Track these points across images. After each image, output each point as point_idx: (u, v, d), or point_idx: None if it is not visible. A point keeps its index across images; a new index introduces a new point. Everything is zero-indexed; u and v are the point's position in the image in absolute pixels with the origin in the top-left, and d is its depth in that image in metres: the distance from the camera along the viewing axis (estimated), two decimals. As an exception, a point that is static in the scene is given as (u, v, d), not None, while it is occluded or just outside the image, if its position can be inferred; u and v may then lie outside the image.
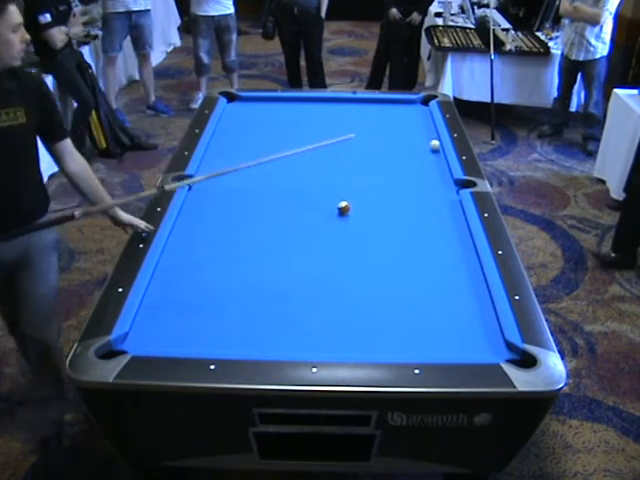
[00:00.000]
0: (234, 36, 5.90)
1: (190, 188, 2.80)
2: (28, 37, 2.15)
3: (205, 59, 5.91)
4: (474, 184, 2.81)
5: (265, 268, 2.32)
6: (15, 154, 2.19)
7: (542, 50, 5.54)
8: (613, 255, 3.90)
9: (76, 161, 2.37)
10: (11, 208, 2.23)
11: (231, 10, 5.76)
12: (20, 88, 2.16)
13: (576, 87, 5.44)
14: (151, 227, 2.41)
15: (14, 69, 2.16)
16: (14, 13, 2.07)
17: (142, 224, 2.40)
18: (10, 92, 2.14)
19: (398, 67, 5.86)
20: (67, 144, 2.34)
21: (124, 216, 2.43)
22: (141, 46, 5.68)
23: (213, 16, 5.68)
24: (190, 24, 6.04)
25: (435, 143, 3.16)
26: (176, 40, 7.81)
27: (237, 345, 1.95)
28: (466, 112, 4.61)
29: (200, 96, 5.72)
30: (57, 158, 2.34)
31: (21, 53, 2.14)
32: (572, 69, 5.25)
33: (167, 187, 2.32)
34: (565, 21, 5.47)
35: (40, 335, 2.43)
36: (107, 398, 1.83)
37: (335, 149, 3.19)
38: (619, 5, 4.97)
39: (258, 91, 4.91)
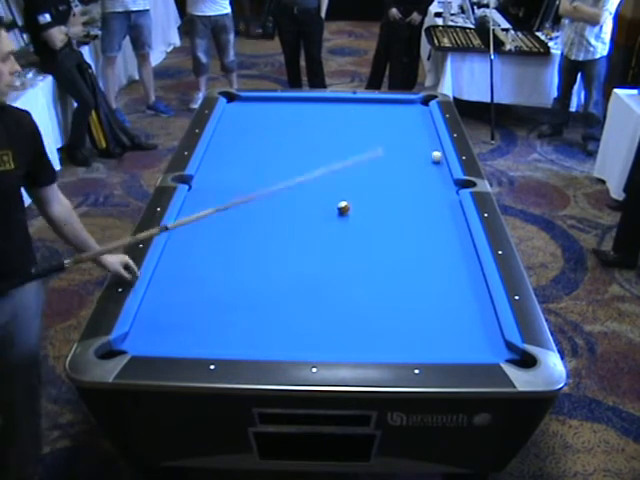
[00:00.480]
0: (231, 36, 5.90)
1: (190, 188, 2.80)
2: (19, 68, 1.89)
3: (203, 59, 5.91)
4: (474, 184, 2.80)
5: (265, 268, 2.32)
6: (3, 205, 1.91)
7: (542, 50, 5.54)
8: (612, 253, 3.90)
9: (61, 203, 2.12)
10: (2, 267, 1.97)
11: (227, 10, 5.76)
12: (6, 128, 1.88)
13: (576, 87, 5.44)
14: (137, 274, 2.16)
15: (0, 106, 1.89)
16: (4, 39, 1.81)
17: (127, 275, 2.13)
18: None
19: (398, 67, 5.86)
20: (55, 187, 2.09)
21: (110, 263, 2.13)
22: (140, 46, 5.68)
23: (209, 16, 5.68)
24: (187, 24, 6.04)
25: (437, 154, 3.07)
26: (176, 40, 7.81)
27: (237, 345, 1.95)
28: (466, 112, 4.60)
29: (200, 96, 5.73)
30: (43, 203, 2.07)
31: (10, 87, 1.87)
32: (572, 69, 5.25)
33: (170, 226, 2.14)
34: (565, 21, 5.47)
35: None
36: (107, 398, 1.83)
37: (335, 149, 3.20)
38: (619, 5, 4.97)
39: (258, 91, 4.91)
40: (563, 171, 5.11)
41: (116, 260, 2.13)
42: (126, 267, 2.14)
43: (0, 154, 1.85)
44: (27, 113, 1.98)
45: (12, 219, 1.98)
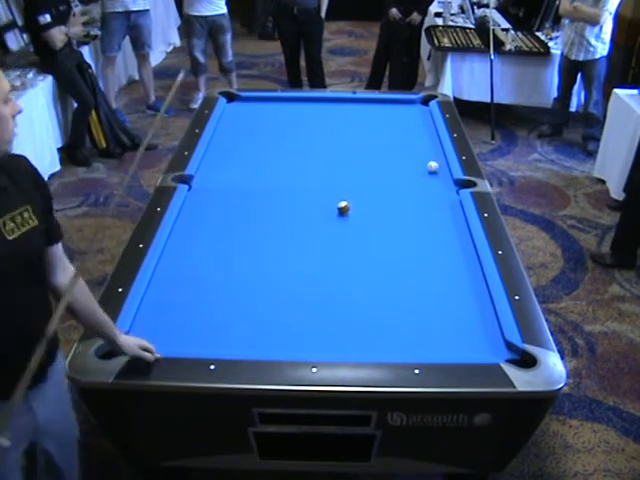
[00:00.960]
0: (229, 36, 5.90)
1: (190, 188, 2.80)
2: (20, 108, 1.57)
3: (201, 59, 5.90)
4: (474, 184, 2.81)
5: (265, 268, 2.32)
6: (34, 272, 1.64)
7: (542, 50, 5.54)
8: (610, 254, 3.89)
9: (66, 270, 1.77)
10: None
11: (224, 10, 5.75)
12: (14, 181, 1.58)
13: (576, 87, 5.44)
14: (160, 357, 1.86)
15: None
16: (2, 78, 1.52)
17: (149, 356, 1.84)
18: (7, 190, 1.55)
19: (398, 67, 5.86)
20: (60, 248, 1.76)
21: (126, 345, 1.83)
22: (140, 46, 5.67)
23: (206, 16, 5.67)
24: (184, 25, 6.04)
25: (433, 165, 2.96)
26: (176, 40, 7.81)
27: (237, 345, 1.95)
28: (466, 112, 4.60)
29: (200, 96, 5.72)
30: (48, 267, 1.73)
31: (14, 133, 1.55)
32: (572, 69, 5.24)
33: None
34: (565, 21, 5.46)
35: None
36: (107, 398, 1.84)
37: (335, 149, 3.20)
38: (619, 5, 4.97)
39: (258, 91, 4.91)
40: (563, 171, 5.11)
41: (133, 343, 1.84)
42: (145, 349, 1.85)
43: (21, 211, 1.56)
44: (23, 158, 1.67)
45: (44, 283, 1.71)
